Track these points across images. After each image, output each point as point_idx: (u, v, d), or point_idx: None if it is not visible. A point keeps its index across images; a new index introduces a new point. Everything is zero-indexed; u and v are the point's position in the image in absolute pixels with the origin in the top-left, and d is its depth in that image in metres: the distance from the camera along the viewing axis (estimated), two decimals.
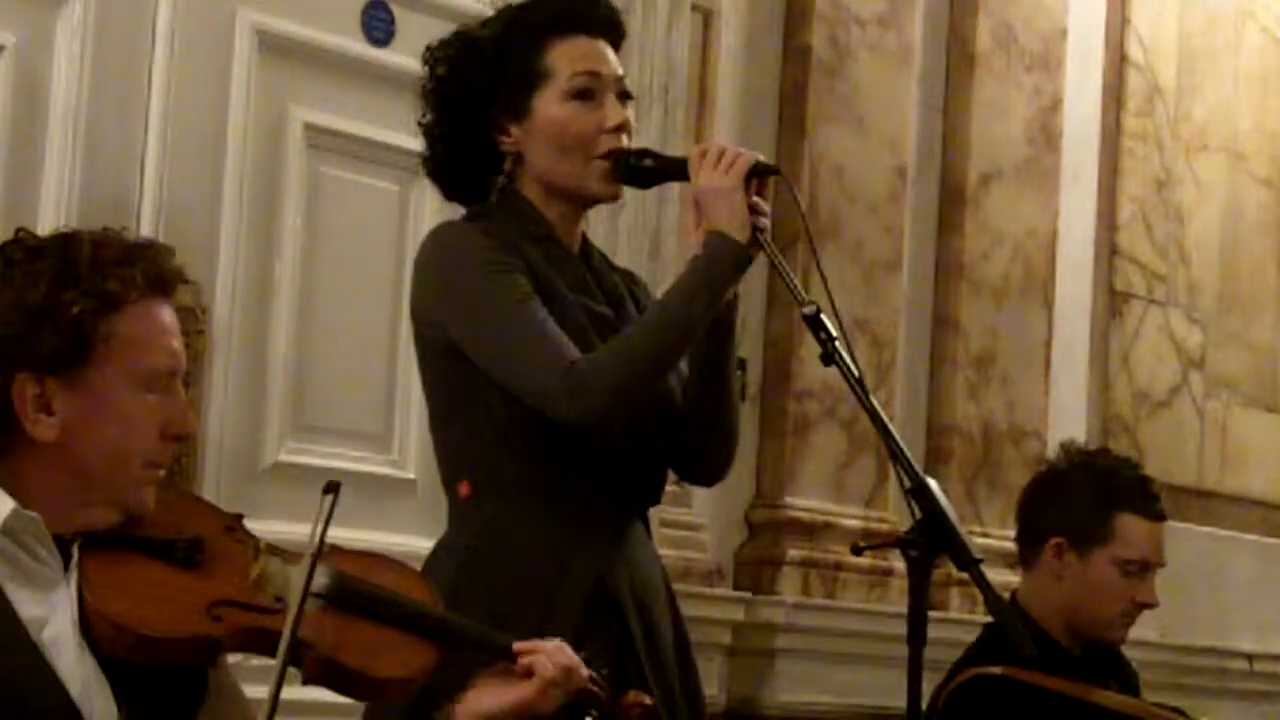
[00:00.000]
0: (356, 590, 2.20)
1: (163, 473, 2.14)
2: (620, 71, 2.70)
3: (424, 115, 2.71)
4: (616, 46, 2.72)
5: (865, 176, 4.68)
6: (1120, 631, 3.37)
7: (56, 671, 2.00)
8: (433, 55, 2.71)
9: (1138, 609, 3.36)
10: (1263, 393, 6.02)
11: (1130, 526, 3.33)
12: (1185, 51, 5.76)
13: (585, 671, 2.28)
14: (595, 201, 2.75)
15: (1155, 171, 5.66)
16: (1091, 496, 3.34)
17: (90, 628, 2.04)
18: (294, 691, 2.19)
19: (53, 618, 2.03)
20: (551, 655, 2.25)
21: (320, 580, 2.17)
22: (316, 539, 2.08)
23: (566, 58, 2.66)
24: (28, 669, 1.99)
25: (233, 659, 2.20)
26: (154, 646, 2.05)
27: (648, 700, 2.37)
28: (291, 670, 2.14)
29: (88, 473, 2.07)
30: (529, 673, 2.24)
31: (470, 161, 2.70)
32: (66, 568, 2.07)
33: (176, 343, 2.13)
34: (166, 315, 2.12)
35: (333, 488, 2.10)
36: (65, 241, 2.11)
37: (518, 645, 2.26)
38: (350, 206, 3.75)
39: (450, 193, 2.75)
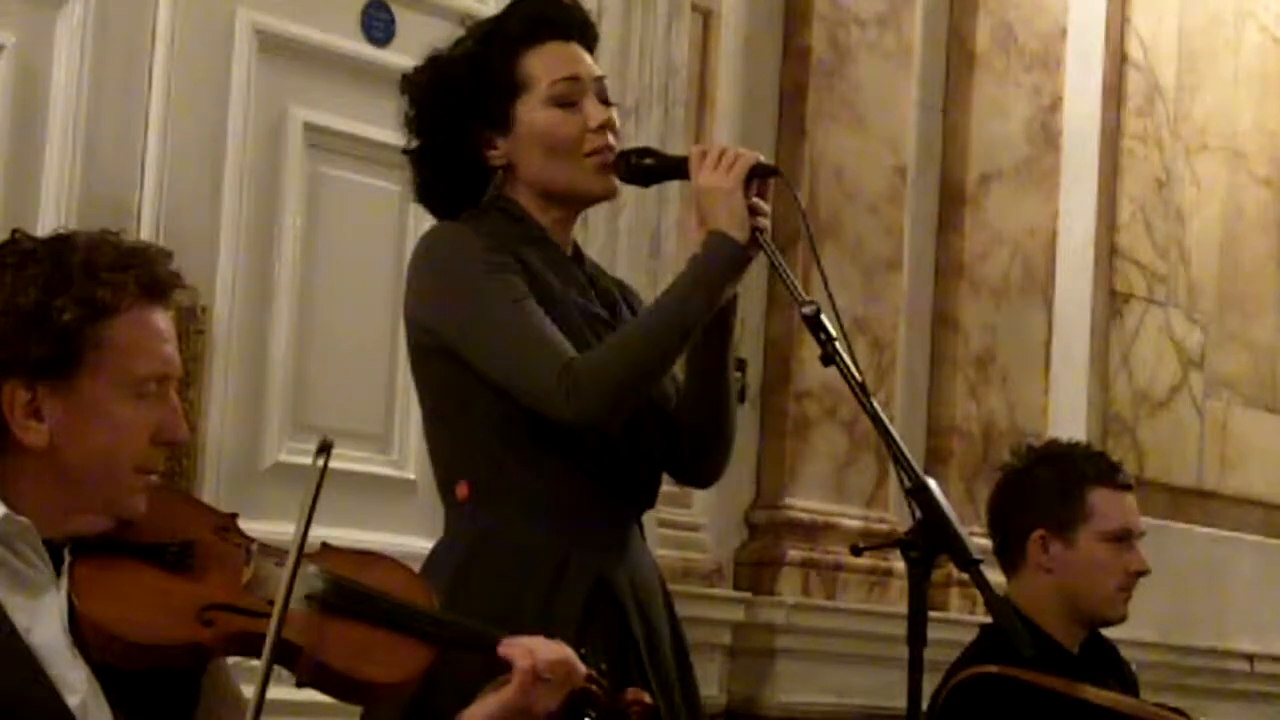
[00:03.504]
0: (350, 591, 2.19)
1: (155, 478, 2.13)
2: (598, 73, 2.72)
3: (409, 142, 2.72)
4: (590, 49, 2.73)
5: (865, 176, 4.68)
6: (1121, 608, 3.39)
7: (51, 679, 1.99)
8: (410, 83, 2.72)
9: (1133, 579, 3.38)
10: (1263, 393, 6.02)
11: (1103, 499, 3.37)
12: (1185, 51, 5.76)
13: (582, 668, 2.27)
14: (593, 200, 2.75)
15: (1155, 171, 5.66)
16: (1059, 481, 3.37)
17: (81, 634, 2.03)
18: (289, 693, 2.19)
19: (43, 623, 2.02)
20: (531, 648, 2.23)
21: (313, 582, 2.16)
22: (307, 506, 2.07)
23: (544, 64, 2.67)
24: (24, 677, 1.98)
25: (230, 661, 2.19)
26: (144, 652, 2.04)
27: (647, 698, 2.36)
28: (288, 673, 2.14)
29: (78, 479, 2.06)
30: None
31: (460, 180, 2.70)
32: (58, 573, 2.06)
33: (170, 348, 2.11)
34: (160, 321, 2.11)
35: (325, 448, 2.09)
36: (58, 245, 2.09)
37: (503, 642, 2.25)
38: (350, 206, 3.75)
39: (442, 215, 2.74)
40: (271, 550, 2.18)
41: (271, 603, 2.09)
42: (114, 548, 2.10)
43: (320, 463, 2.08)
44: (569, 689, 2.25)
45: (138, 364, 2.08)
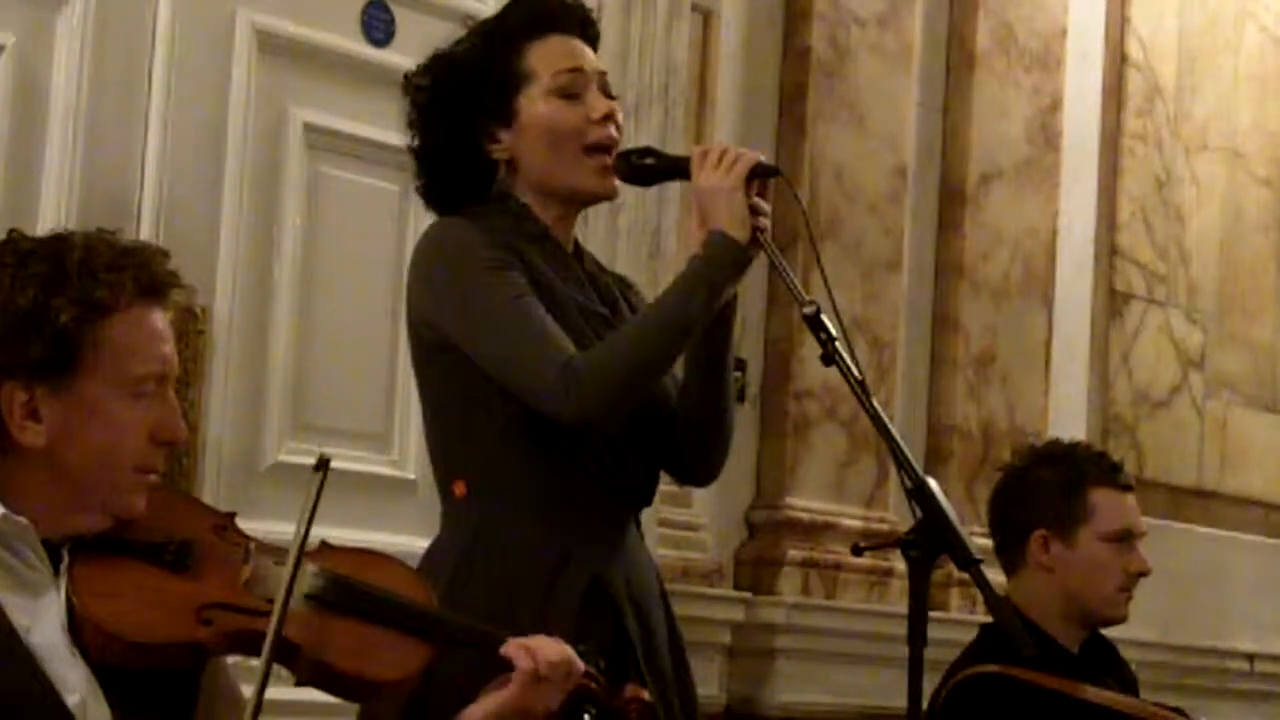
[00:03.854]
0: (348, 589, 2.19)
1: (154, 478, 2.13)
2: (600, 67, 2.72)
3: (413, 140, 2.72)
4: (592, 46, 2.74)
5: (865, 176, 4.69)
6: (1122, 609, 3.39)
7: (50, 678, 1.99)
8: (412, 82, 2.73)
9: (1134, 580, 3.38)
10: (1263, 393, 6.02)
11: (1105, 499, 3.37)
12: (1185, 51, 5.76)
13: (581, 666, 2.27)
14: (592, 200, 2.76)
15: (1155, 171, 5.66)
16: (1060, 482, 3.37)
17: (80, 634, 2.03)
18: (288, 692, 2.19)
19: (42, 623, 2.02)
20: (531, 648, 2.23)
21: (311, 580, 2.16)
22: (304, 523, 2.07)
23: (546, 57, 2.67)
24: (23, 677, 1.98)
25: (230, 660, 2.19)
26: (143, 652, 2.04)
27: (645, 695, 2.36)
28: (288, 671, 2.14)
29: (76, 479, 2.06)
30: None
31: (463, 177, 2.69)
32: (56, 573, 2.06)
33: (168, 348, 2.11)
34: (158, 321, 2.11)
35: (323, 464, 2.09)
36: (55, 245, 2.09)
37: (507, 643, 2.25)
38: (350, 206, 3.75)
39: (447, 213, 2.73)
40: (270, 549, 2.18)
41: (270, 601, 2.09)
42: (113, 547, 2.10)
43: (319, 478, 2.09)
44: (569, 688, 2.25)
45: (135, 364, 2.07)
